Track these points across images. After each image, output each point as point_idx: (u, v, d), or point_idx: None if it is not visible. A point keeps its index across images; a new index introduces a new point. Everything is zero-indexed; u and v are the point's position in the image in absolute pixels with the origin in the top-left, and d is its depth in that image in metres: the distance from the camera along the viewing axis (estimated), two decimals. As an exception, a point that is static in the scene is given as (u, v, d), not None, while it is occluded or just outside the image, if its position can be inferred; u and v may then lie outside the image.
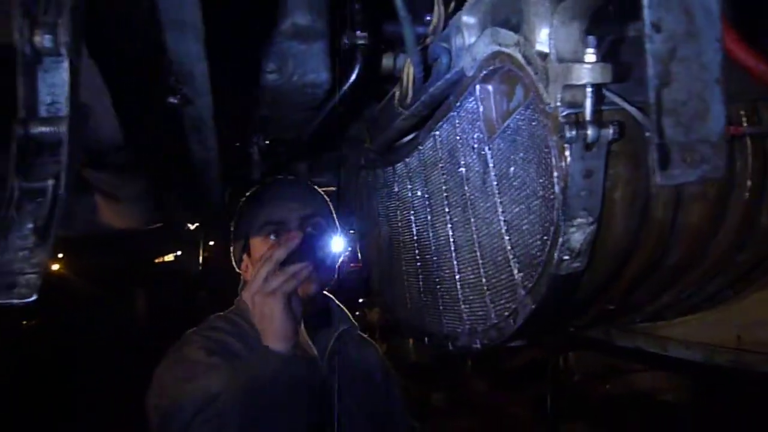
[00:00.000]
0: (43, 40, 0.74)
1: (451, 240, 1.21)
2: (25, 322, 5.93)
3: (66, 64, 0.76)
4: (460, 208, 1.16)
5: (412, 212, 1.42)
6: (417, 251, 1.42)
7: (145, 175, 1.71)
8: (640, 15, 0.68)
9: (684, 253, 0.94)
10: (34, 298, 0.67)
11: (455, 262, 1.19)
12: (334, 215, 1.68)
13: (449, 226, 1.22)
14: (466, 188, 1.10)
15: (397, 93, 1.35)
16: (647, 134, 0.71)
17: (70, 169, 0.76)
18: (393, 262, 1.59)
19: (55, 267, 5.59)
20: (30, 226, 0.72)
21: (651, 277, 0.94)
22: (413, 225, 1.42)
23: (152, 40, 1.01)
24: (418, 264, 1.42)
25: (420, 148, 1.31)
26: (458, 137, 1.12)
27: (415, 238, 1.42)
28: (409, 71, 1.25)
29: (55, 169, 0.76)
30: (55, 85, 0.77)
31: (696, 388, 3.17)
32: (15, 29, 0.74)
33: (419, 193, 1.37)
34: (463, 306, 1.16)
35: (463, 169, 1.11)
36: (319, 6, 1.18)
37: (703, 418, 3.09)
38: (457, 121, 1.11)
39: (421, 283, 1.43)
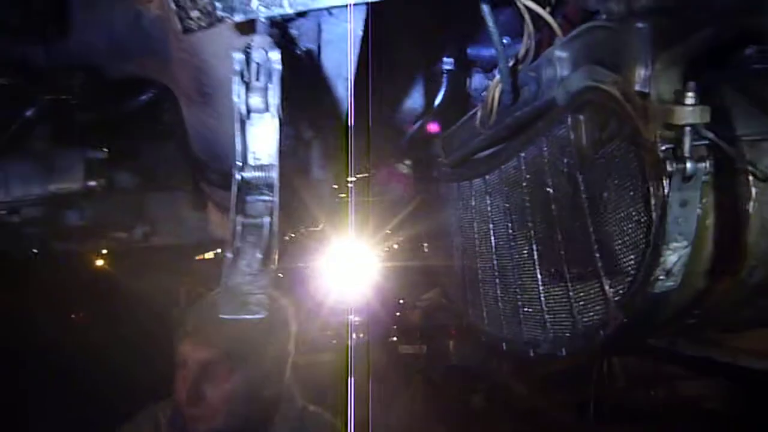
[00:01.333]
0: (256, 101, 0.89)
1: (535, 253, 1.30)
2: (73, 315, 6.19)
3: (274, 121, 0.91)
4: (545, 225, 1.26)
5: (491, 225, 1.51)
6: (495, 262, 1.51)
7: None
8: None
9: None
10: (263, 314, 0.81)
11: (538, 274, 1.29)
12: None
13: (533, 240, 1.31)
14: (553, 207, 1.20)
15: (479, 113, 1.45)
16: (737, 165, 0.80)
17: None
18: (467, 270, 1.69)
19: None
20: (257, 255, 0.86)
21: (735, 294, 1.02)
22: (491, 237, 1.52)
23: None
24: (496, 274, 1.52)
25: (502, 166, 1.40)
26: (545, 160, 1.22)
27: (494, 249, 1.51)
28: (495, 95, 1.35)
29: (268, 207, 0.89)
30: (263, 137, 0.91)
31: (745, 396, 3.20)
32: (234, 93, 0.89)
33: (499, 208, 1.47)
34: (546, 316, 1.25)
35: (550, 190, 1.20)
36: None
37: (751, 428, 3.11)
38: (545, 146, 1.21)
39: (498, 291, 1.52)
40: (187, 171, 1.91)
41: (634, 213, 0.96)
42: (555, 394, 4.57)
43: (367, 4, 1.03)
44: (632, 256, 0.97)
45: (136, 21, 1.39)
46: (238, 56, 0.96)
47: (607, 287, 1.03)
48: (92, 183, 1.61)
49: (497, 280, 1.52)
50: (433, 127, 1.60)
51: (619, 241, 1.00)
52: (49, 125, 1.60)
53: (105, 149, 1.66)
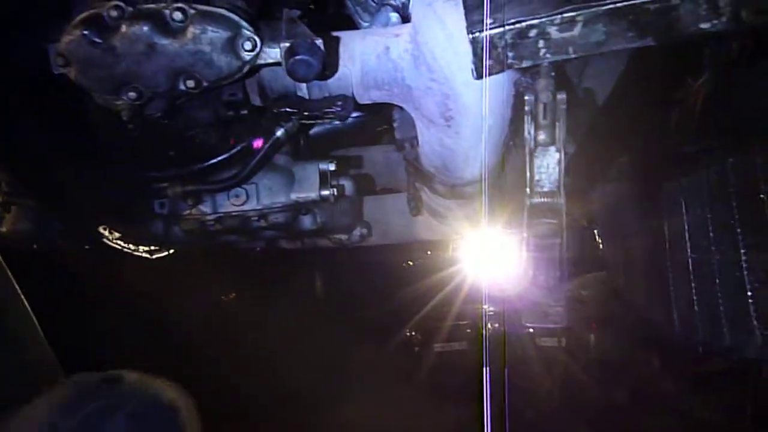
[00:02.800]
0: (542, 137, 1.02)
1: (743, 259, 1.36)
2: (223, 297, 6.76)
3: (558, 154, 1.04)
4: (757, 232, 1.31)
5: (686, 229, 1.57)
6: (691, 266, 1.57)
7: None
8: None
9: None
10: (564, 324, 0.95)
11: (746, 280, 1.34)
12: None
13: (741, 247, 1.36)
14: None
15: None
16: None
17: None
18: (653, 272, 1.75)
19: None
20: (552, 272, 1.00)
21: None
22: (686, 242, 1.57)
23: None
24: (692, 277, 1.58)
25: (703, 171, 1.46)
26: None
27: (689, 254, 1.57)
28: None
29: (556, 229, 1.03)
30: (549, 168, 1.05)
31: None
32: (525, 130, 1.03)
33: (698, 213, 1.53)
34: (755, 322, 1.31)
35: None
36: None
37: None
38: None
39: (694, 295, 1.58)
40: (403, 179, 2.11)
41: None
42: (707, 395, 4.45)
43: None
44: None
45: (386, 54, 1.57)
46: (528, 97, 1.09)
47: None
48: (326, 192, 1.83)
49: (693, 285, 1.58)
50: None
51: None
52: (291, 143, 1.83)
53: (334, 162, 1.87)
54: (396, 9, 1.78)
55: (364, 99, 1.62)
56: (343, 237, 2.05)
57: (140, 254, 2.05)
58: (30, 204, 1.74)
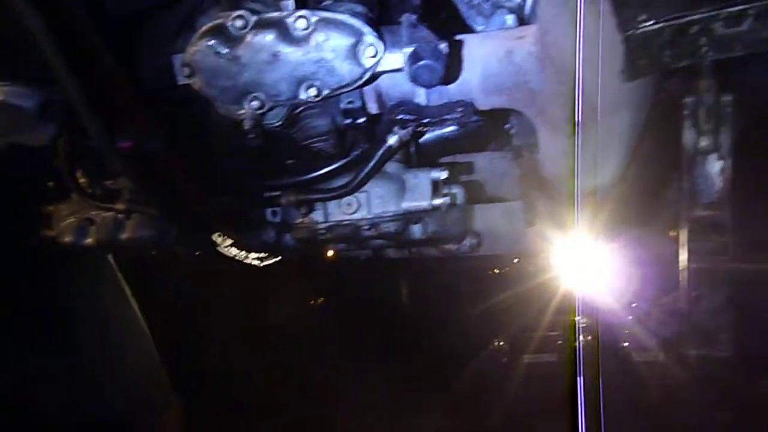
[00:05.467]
0: (704, 143, 0.93)
1: None
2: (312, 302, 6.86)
3: (722, 162, 0.94)
4: None
5: None
6: None
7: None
8: None
9: None
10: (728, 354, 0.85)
11: None
12: None
13: None
14: None
15: None
16: None
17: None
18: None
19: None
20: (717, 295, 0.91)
21: None
22: None
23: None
24: None
25: None
26: None
27: None
28: None
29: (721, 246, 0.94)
30: (710, 177, 0.96)
31: None
32: (684, 138, 0.94)
33: None
34: None
35: None
36: None
37: None
38: None
39: None
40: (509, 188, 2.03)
41: None
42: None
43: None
44: None
45: (508, 57, 1.50)
46: (688, 99, 1.00)
47: None
48: (438, 201, 1.77)
49: None
50: None
51: None
52: (402, 151, 1.78)
53: (445, 169, 1.81)
54: (512, 11, 1.71)
55: (484, 104, 1.56)
56: (453, 247, 1.99)
57: (250, 262, 2.07)
58: (151, 212, 1.78)
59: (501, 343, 6.12)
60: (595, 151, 1.41)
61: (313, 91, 1.40)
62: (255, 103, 1.41)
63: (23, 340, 2.73)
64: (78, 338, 3.01)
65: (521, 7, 1.72)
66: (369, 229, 1.82)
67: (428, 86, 1.38)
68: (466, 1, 1.74)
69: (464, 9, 1.75)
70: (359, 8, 1.42)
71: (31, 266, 2.65)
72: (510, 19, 1.68)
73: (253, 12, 1.36)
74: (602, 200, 1.76)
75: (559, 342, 6.12)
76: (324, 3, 1.47)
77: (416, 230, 1.87)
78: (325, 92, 1.40)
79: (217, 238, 1.95)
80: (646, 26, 1.01)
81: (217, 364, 4.37)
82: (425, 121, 1.55)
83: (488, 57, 1.51)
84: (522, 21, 1.68)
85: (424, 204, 1.77)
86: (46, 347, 2.84)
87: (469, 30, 1.70)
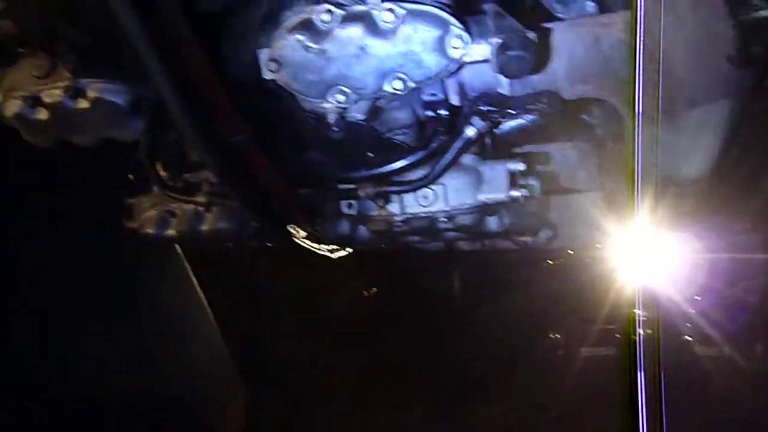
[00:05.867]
0: None
1: None
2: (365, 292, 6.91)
3: None
4: None
5: None
6: None
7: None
8: None
9: None
10: None
11: None
12: None
13: None
14: None
15: None
16: None
17: None
18: None
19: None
20: None
21: None
22: None
23: None
24: None
25: None
26: None
27: None
28: None
29: None
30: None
31: None
32: None
33: None
34: None
35: None
36: None
37: None
38: None
39: None
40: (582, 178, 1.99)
41: None
42: None
43: None
44: None
45: (596, 45, 1.46)
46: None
47: None
48: (515, 193, 1.75)
49: None
50: None
51: None
52: (479, 142, 1.76)
53: (522, 161, 1.78)
54: (592, -3, 1.67)
55: (569, 94, 1.52)
56: (528, 239, 1.97)
57: (323, 253, 2.09)
58: (231, 204, 1.82)
59: (556, 335, 6.04)
60: (692, 141, 1.37)
61: (398, 84, 1.39)
62: (340, 97, 1.42)
63: (95, 328, 2.83)
64: (146, 326, 3.10)
65: (601, -7, 1.68)
66: (445, 221, 1.81)
67: (517, 77, 1.36)
68: (545, -13, 1.71)
69: (543, -5, 1.71)
70: (443, -1, 1.41)
71: (105, 256, 2.75)
72: (590, 5, 1.64)
73: (340, 5, 1.36)
74: (683, 191, 1.70)
75: (617, 335, 6.00)
76: (409, -6, 1.46)
77: (492, 222, 1.86)
78: (411, 85, 1.40)
79: (291, 229, 1.98)
80: (761, 11, 0.97)
81: (281, 355, 4.46)
82: (509, 112, 1.53)
83: (575, 45, 1.48)
84: (602, 7, 1.64)
85: (501, 196, 1.75)
86: (116, 335, 2.94)
87: (549, 17, 1.66)
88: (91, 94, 1.52)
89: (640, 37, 1.35)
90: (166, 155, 1.90)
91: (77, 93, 1.51)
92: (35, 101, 1.56)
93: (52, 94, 1.54)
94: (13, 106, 1.57)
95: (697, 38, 1.22)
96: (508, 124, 1.80)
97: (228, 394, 3.77)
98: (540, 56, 1.39)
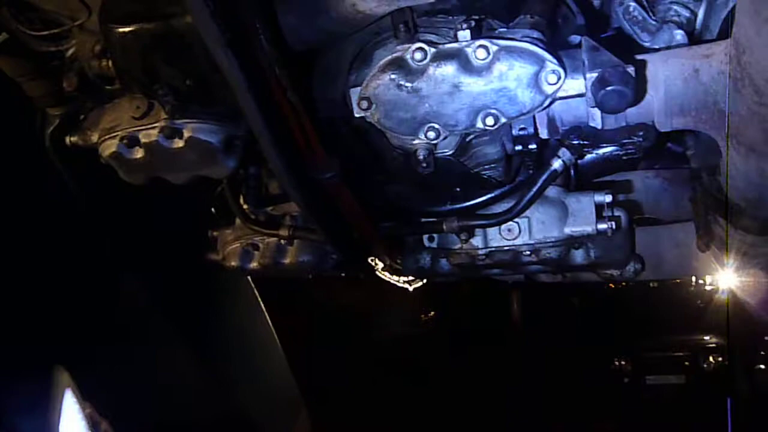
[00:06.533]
0: None
1: None
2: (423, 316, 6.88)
3: None
4: None
5: None
6: None
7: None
8: None
9: None
10: None
11: None
12: None
13: None
14: None
15: None
16: None
17: None
18: None
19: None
20: None
21: None
22: None
23: None
24: None
25: None
26: None
27: None
28: None
29: None
30: None
31: None
32: None
33: None
34: None
35: None
36: None
37: None
38: None
39: None
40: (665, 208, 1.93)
41: None
42: None
43: None
44: None
45: (695, 76, 1.42)
46: None
47: None
48: (603, 226, 1.70)
49: None
50: None
51: None
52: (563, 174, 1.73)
53: (609, 192, 1.74)
54: (680, 26, 1.62)
55: (665, 126, 1.48)
56: (615, 272, 1.91)
57: (401, 285, 2.08)
58: (313, 237, 1.83)
59: (623, 363, 5.85)
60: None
61: (490, 120, 1.38)
62: (431, 134, 1.42)
63: (170, 353, 2.90)
64: (217, 351, 3.16)
65: (691, 21, 1.63)
66: (530, 255, 1.78)
67: (616, 112, 1.33)
68: (629, 17, 1.68)
69: (627, 26, 1.68)
70: (535, 34, 1.39)
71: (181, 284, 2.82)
72: (679, 34, 1.60)
73: (431, 44, 1.37)
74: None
75: (686, 363, 5.78)
76: (498, 31, 1.46)
77: (578, 256, 1.81)
78: (503, 121, 1.38)
79: (371, 262, 1.98)
80: None
81: (341, 379, 4.48)
82: (603, 145, 1.50)
83: (672, 77, 1.44)
84: (691, 37, 1.59)
85: (588, 229, 1.71)
86: (190, 359, 3.00)
87: (638, 48, 1.63)
88: (186, 133, 1.56)
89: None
90: (248, 188, 1.94)
91: (173, 133, 1.55)
92: (132, 141, 1.61)
93: (149, 134, 1.58)
94: (111, 146, 1.63)
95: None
96: (592, 155, 1.77)
97: (293, 414, 3.80)
98: (637, 90, 1.36)
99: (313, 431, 4.03)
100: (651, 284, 5.08)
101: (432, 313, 6.91)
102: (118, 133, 1.62)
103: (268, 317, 3.52)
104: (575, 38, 1.61)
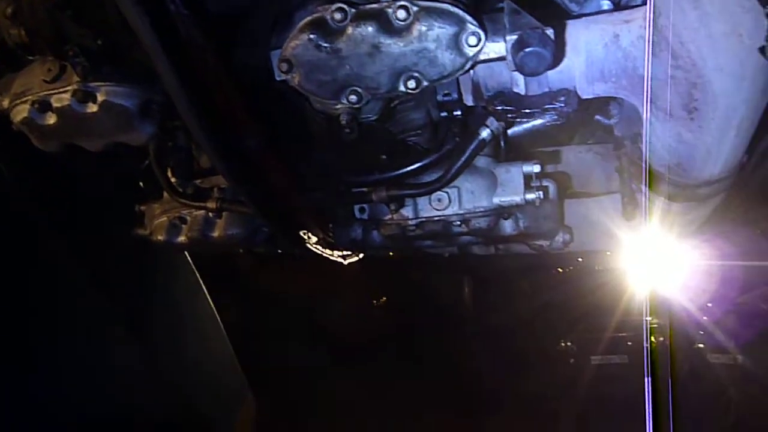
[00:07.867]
0: None
1: None
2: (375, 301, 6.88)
3: None
4: None
5: None
6: None
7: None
8: None
9: None
10: None
11: None
12: None
13: None
14: None
15: None
16: None
17: None
18: None
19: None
20: None
21: None
22: None
23: None
24: None
25: None
26: None
27: None
28: None
29: None
30: None
31: None
32: None
33: None
34: None
35: None
36: None
37: None
38: None
39: None
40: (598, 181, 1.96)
41: None
42: None
43: None
44: None
45: (615, 42, 1.43)
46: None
47: None
48: (531, 196, 1.71)
49: None
50: None
51: None
52: (492, 144, 1.73)
53: (537, 163, 1.75)
54: (607, -6, 1.63)
55: (587, 93, 1.49)
56: (545, 243, 1.93)
57: (334, 259, 2.05)
58: (242, 210, 1.79)
59: (568, 344, 5.98)
60: (714, 141, 1.33)
61: (412, 83, 1.36)
62: (353, 97, 1.39)
63: (104, 334, 2.81)
64: (155, 333, 3.08)
65: (618, -10, 1.65)
66: (460, 224, 1.77)
67: (535, 74, 1.32)
68: (557, -16, 1.68)
69: (557, -7, 1.68)
70: (458, -4, 1.38)
71: (115, 262, 2.73)
72: (605, 3, 1.61)
73: (352, 4, 1.34)
74: (703, 194, 1.66)
75: (629, 343, 5.93)
76: (420, -8, 1.43)
77: (508, 226, 1.82)
78: (425, 84, 1.36)
79: (303, 235, 1.94)
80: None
81: (286, 361, 4.43)
82: (526, 111, 1.49)
83: (593, 42, 1.44)
84: (617, 5, 1.61)
85: (516, 199, 1.72)
86: (125, 341, 2.91)
87: (565, 15, 1.63)
88: (100, 97, 1.49)
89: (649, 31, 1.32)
90: (176, 161, 1.88)
91: (86, 96, 1.48)
92: (44, 105, 1.53)
93: (61, 98, 1.51)
94: (23, 112, 1.55)
95: (724, 31, 1.18)
96: (522, 125, 1.77)
97: (237, 399, 3.74)
98: (557, 53, 1.36)
99: (259, 418, 3.98)
100: (578, 259, 5.15)
101: (384, 299, 6.93)
102: (29, 97, 1.55)
103: (210, 300, 3.45)
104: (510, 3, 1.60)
